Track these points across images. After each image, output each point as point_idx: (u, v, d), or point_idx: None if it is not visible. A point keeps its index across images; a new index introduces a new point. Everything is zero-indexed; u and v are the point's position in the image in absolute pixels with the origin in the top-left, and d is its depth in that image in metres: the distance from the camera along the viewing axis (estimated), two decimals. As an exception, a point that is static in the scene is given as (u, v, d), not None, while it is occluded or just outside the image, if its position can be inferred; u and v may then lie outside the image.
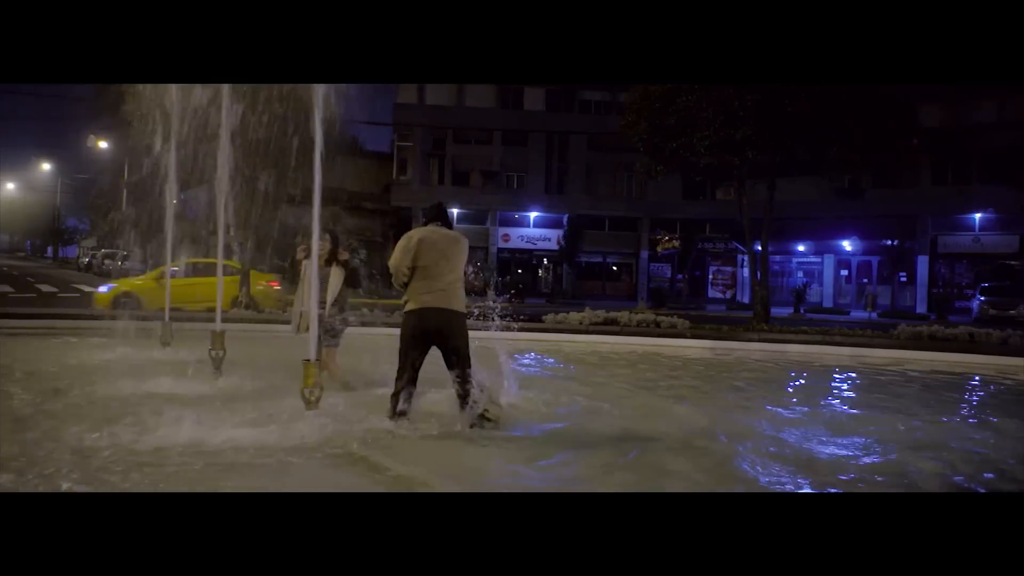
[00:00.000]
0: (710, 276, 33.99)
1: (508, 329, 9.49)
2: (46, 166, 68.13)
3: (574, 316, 12.45)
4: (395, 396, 4.35)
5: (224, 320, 5.98)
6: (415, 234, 4.44)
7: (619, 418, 5.13)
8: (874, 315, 21.88)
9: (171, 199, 7.21)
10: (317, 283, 5.60)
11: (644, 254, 33.27)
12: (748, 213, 13.58)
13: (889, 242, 28.96)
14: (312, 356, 3.85)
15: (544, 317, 12.18)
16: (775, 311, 27.14)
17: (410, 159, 33.12)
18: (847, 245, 30.06)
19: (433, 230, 4.47)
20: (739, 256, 31.06)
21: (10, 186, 75.56)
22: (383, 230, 35.61)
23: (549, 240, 32.78)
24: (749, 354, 9.59)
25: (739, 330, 11.10)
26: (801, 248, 31.17)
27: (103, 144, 40.33)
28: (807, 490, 3.51)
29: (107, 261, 35.38)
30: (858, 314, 23.62)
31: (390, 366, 4.58)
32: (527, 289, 28.86)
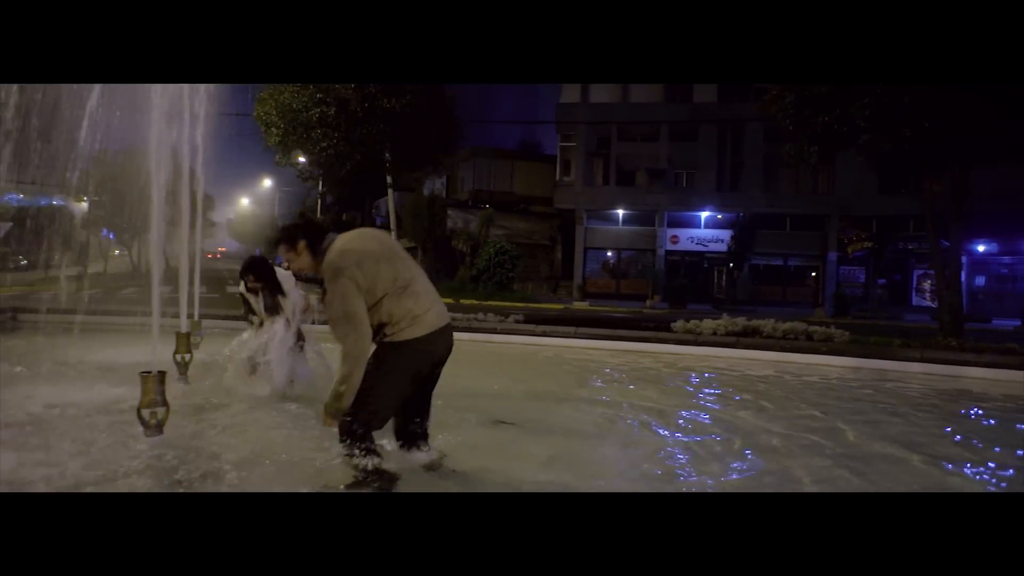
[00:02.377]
0: (914, 281, 29.36)
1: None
2: (267, 181, 76.63)
3: (708, 324, 10.92)
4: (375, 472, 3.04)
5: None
6: (343, 260, 2.99)
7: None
8: None
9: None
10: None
11: (832, 256, 29.54)
12: (932, 200, 11.04)
13: None
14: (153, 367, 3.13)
15: (673, 324, 10.80)
16: (998, 322, 22.77)
17: (573, 160, 32.32)
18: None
19: (355, 238, 3.13)
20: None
21: (244, 200, 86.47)
22: (550, 233, 35.25)
23: (721, 241, 30.29)
24: (900, 377, 7.56)
25: (913, 345, 8.93)
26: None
27: (301, 159, 44.41)
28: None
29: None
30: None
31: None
32: (688, 293, 26.78)
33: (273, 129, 12.79)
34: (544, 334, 9.26)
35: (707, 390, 6.75)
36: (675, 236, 31.28)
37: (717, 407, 5.84)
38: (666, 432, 4.74)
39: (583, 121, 31.31)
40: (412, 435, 3.28)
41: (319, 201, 48.31)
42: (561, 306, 25.02)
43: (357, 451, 2.99)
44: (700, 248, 31.16)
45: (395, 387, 3.04)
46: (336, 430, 3.01)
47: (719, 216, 30.61)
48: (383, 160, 13.55)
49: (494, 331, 9.49)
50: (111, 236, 44.75)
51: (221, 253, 72.31)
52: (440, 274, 32.55)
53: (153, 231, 5.93)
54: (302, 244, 3.09)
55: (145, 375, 3.07)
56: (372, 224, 49.09)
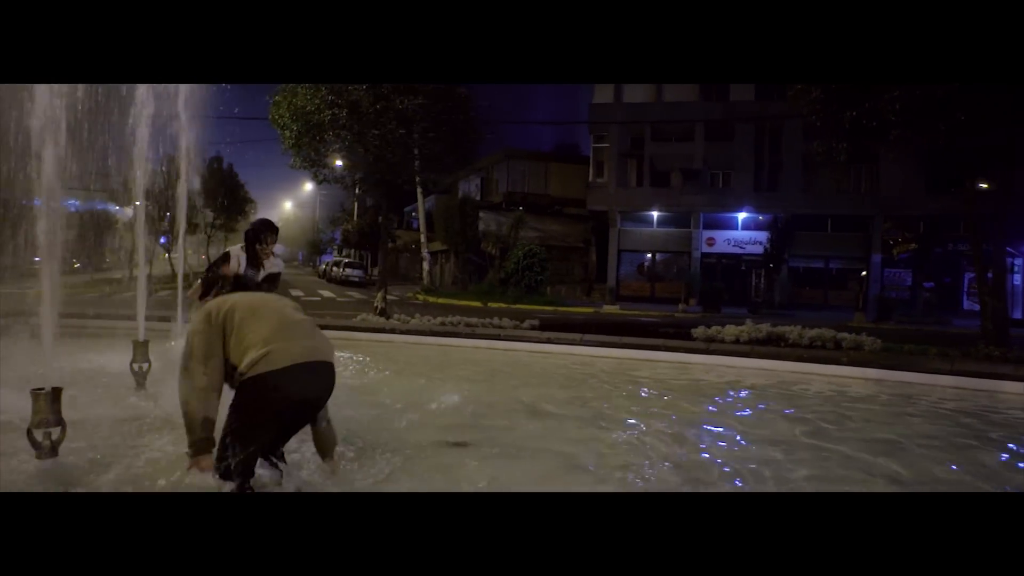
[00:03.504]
0: (965, 284, 27.94)
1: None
2: (308, 185, 77.78)
3: (730, 330, 10.37)
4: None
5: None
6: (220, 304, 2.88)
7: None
8: None
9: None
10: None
11: (876, 258, 28.33)
12: (973, 198, 10.26)
13: None
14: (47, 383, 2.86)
15: (694, 330, 10.30)
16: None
17: (606, 161, 31.76)
18: None
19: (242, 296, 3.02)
20: (1009, 259, 25.06)
21: (288, 204, 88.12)
22: (584, 235, 34.72)
23: (759, 243, 29.33)
24: (922, 392, 6.94)
25: (950, 355, 8.27)
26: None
27: (338, 163, 44.70)
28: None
29: (334, 268, 39.09)
30: None
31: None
32: (723, 297, 25.96)
33: (287, 132, 12.67)
34: (549, 341, 8.86)
35: (685, 404, 6.28)
36: (711, 238, 30.46)
37: (660, 424, 5.38)
38: (626, 458, 4.31)
39: (616, 121, 30.74)
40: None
41: (355, 205, 48.75)
42: (591, 310, 24.53)
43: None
44: (737, 250, 30.27)
45: (254, 421, 2.75)
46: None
47: (760, 218, 29.67)
48: (398, 162, 13.28)
49: (497, 337, 9.14)
50: (164, 240, 46.07)
51: None
52: (471, 277, 32.38)
53: (140, 239, 5.76)
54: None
55: (37, 392, 2.82)
56: (408, 227, 49.34)
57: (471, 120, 14.09)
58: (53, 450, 2.83)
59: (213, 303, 2.86)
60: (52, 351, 3.09)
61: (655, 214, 31.22)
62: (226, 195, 46.69)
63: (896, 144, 9.79)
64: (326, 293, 27.23)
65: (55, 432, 2.81)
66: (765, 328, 10.36)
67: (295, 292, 26.16)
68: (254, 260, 4.38)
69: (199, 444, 2.74)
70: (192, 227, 46.15)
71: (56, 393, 2.85)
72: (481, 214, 33.15)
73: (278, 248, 4.65)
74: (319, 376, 2.80)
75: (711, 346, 8.69)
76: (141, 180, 9.87)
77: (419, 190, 28.36)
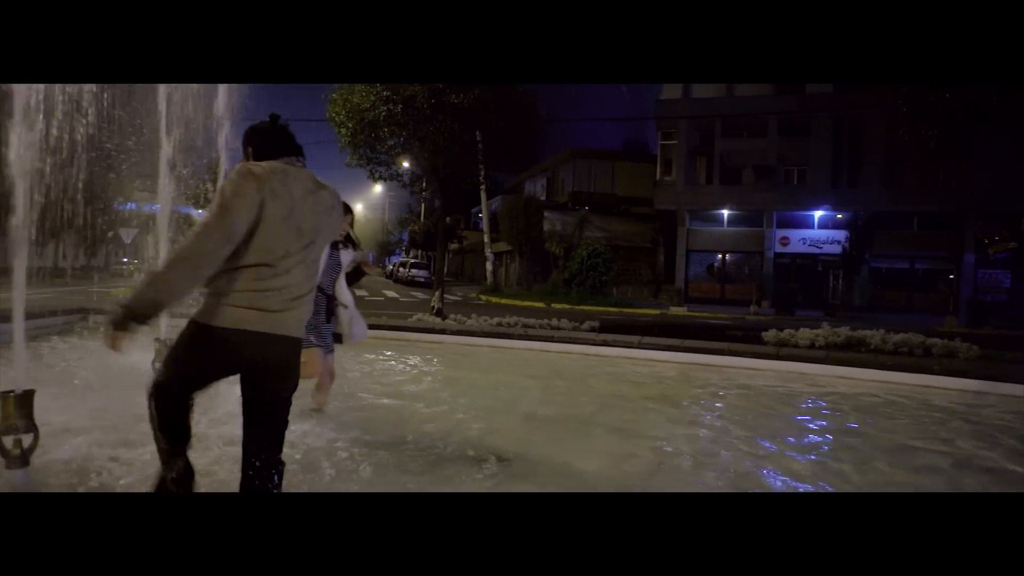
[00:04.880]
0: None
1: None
2: (378, 187, 79.17)
3: (804, 334, 9.64)
4: (168, 455, 2.38)
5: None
6: (250, 181, 2.24)
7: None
8: None
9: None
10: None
11: (969, 258, 26.39)
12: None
13: None
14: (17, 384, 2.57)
15: (765, 333, 9.60)
16: None
17: (675, 158, 30.82)
18: None
19: (287, 171, 2.35)
20: None
21: (358, 206, 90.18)
22: (651, 235, 33.81)
23: (837, 243, 27.79)
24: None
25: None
26: None
27: (405, 164, 45.16)
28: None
29: (400, 269, 39.49)
30: None
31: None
32: (798, 298, 24.69)
33: (343, 129, 12.58)
34: (605, 343, 8.34)
35: (757, 416, 5.66)
36: (785, 237, 29.10)
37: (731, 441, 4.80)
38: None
39: (685, 117, 29.76)
40: (253, 467, 2.40)
41: (422, 206, 49.14)
42: (657, 311, 23.75)
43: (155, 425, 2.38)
44: (813, 250, 28.80)
45: (182, 367, 2.36)
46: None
47: (838, 216, 28.12)
48: (455, 159, 13.02)
49: (551, 339, 8.68)
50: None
51: None
52: (535, 277, 31.97)
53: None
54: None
55: (5, 395, 2.56)
56: (474, 228, 49.40)
57: (532, 117, 13.71)
58: (23, 459, 2.56)
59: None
60: (23, 352, 2.84)
61: (725, 213, 30.08)
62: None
63: (997, 128, 8.80)
64: (390, 293, 27.35)
65: (26, 440, 2.55)
66: (843, 332, 9.55)
67: (359, 292, 26.38)
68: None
69: (126, 318, 2.19)
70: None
71: (27, 396, 2.59)
72: (546, 214, 32.71)
73: (346, 255, 4.60)
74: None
75: (782, 351, 7.99)
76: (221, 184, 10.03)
77: (482, 189, 28.17)
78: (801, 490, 3.68)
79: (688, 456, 4.21)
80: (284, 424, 2.45)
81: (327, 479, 3.34)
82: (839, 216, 28.12)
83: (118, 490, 2.86)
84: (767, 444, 4.62)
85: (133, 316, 2.17)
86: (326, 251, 4.51)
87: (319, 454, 3.72)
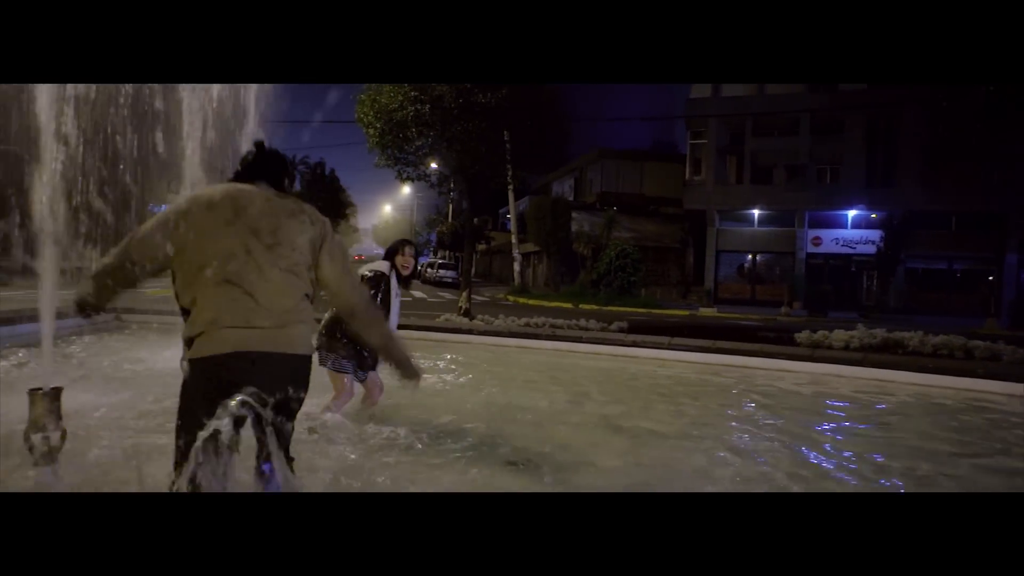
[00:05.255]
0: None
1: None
2: (406, 189, 79.59)
3: (839, 335, 9.39)
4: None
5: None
6: (167, 210, 2.35)
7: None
8: None
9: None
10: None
11: (1011, 258, 25.62)
12: None
13: None
14: (45, 384, 2.56)
15: (798, 335, 9.38)
16: None
17: (704, 158, 30.46)
18: None
19: (239, 188, 2.40)
20: None
21: (387, 207, 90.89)
22: (681, 235, 33.48)
23: (871, 243, 27.21)
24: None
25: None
26: None
27: (433, 164, 45.34)
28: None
29: (428, 270, 39.67)
30: None
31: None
32: (831, 300, 24.22)
33: (371, 130, 12.63)
34: (634, 344, 8.22)
35: (800, 420, 5.51)
36: (817, 237, 28.59)
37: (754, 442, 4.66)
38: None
39: (714, 115, 29.39)
40: (262, 474, 2.37)
41: (450, 207, 49.27)
42: (686, 312, 23.49)
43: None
44: (846, 250, 28.25)
45: (183, 402, 2.32)
46: None
47: (872, 215, 27.54)
48: (483, 159, 13.00)
49: (579, 340, 8.59)
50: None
51: (357, 258, 76.30)
52: (563, 278, 31.85)
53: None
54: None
55: (34, 392, 2.57)
56: (502, 229, 49.44)
57: (559, 116, 13.63)
58: (51, 456, 2.57)
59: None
60: (51, 354, 2.84)
61: (756, 213, 29.65)
62: (327, 198, 48.47)
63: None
64: (418, 294, 27.45)
65: (53, 437, 2.56)
66: (880, 333, 9.29)
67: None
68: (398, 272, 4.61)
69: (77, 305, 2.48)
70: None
71: (55, 394, 2.60)
72: (573, 214, 32.57)
73: (367, 248, 4.62)
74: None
75: (816, 352, 7.79)
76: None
77: (510, 190, 28.13)
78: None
79: (728, 458, 4.11)
80: (288, 438, 2.39)
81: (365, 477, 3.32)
82: (873, 216, 27.53)
83: (147, 488, 2.86)
84: (808, 451, 4.49)
85: (80, 305, 2.47)
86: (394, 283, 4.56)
87: (355, 451, 3.71)
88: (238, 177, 2.48)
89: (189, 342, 2.27)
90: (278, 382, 2.26)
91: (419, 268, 31.18)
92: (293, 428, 2.41)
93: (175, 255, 2.29)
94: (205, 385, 2.23)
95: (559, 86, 13.96)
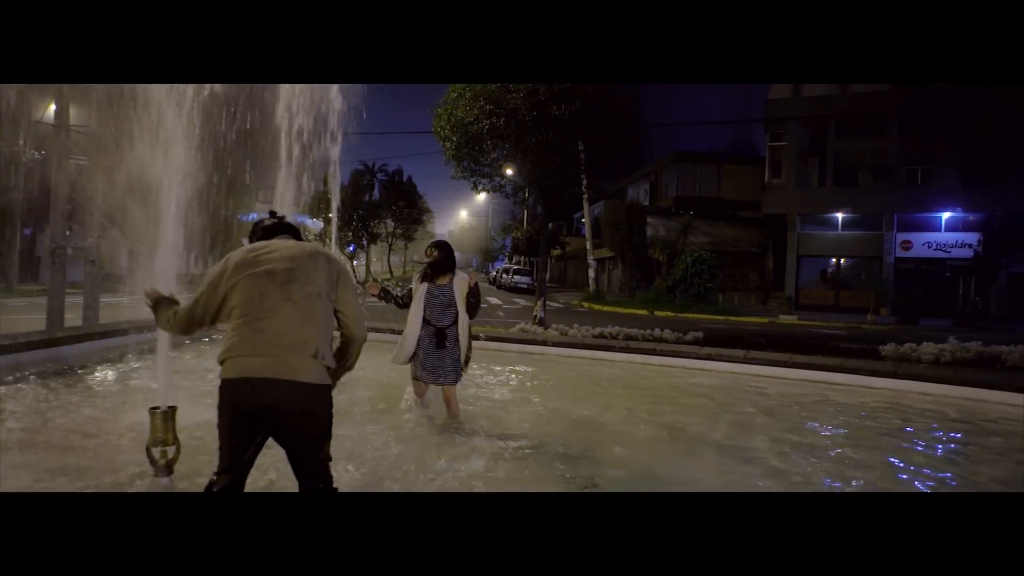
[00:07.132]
0: None
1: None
2: (482, 196, 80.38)
3: (928, 348, 9.05)
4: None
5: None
6: (219, 264, 2.72)
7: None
8: None
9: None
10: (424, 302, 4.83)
11: None
12: None
13: None
14: (163, 402, 2.88)
15: (883, 348, 9.10)
16: None
17: (784, 160, 29.60)
18: None
19: (266, 244, 2.76)
20: None
21: (463, 213, 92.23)
22: (760, 240, 32.64)
23: (968, 246, 25.73)
24: None
25: None
26: None
27: (508, 171, 45.70)
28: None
29: (503, 275, 40.06)
30: None
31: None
32: (922, 307, 23.10)
33: (447, 143, 12.99)
34: (709, 357, 8.18)
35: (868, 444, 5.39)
36: (907, 241, 27.29)
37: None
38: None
39: (795, 117, 28.53)
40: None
41: (525, 213, 49.62)
42: (765, 320, 22.92)
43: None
44: (939, 254, 26.83)
45: (221, 426, 2.56)
46: None
47: (969, 217, 26.06)
48: (558, 168, 13.17)
49: (653, 352, 8.60)
50: (351, 248, 49.94)
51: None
52: (638, 284, 31.58)
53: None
54: None
55: (153, 411, 2.91)
56: (577, 234, 49.35)
57: (635, 123, 13.65)
58: (168, 468, 2.90)
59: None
60: (167, 368, 3.19)
61: (840, 216, 28.58)
62: (404, 205, 49.64)
63: None
64: (493, 300, 27.84)
65: (170, 451, 2.89)
66: (974, 347, 8.87)
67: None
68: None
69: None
70: (373, 237, 49.75)
71: (171, 412, 2.92)
72: (649, 219, 32.27)
73: (448, 290, 4.97)
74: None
75: (901, 368, 7.52)
76: (336, 195, 10.65)
77: (584, 196, 28.15)
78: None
79: (803, 481, 4.11)
80: (321, 462, 2.61)
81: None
82: (970, 218, 26.07)
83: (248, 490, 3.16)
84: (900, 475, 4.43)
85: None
86: (422, 289, 4.81)
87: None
88: (262, 238, 2.86)
89: (223, 367, 2.61)
90: (279, 406, 2.49)
91: (495, 273, 31.37)
92: (328, 455, 2.62)
93: (222, 302, 2.65)
94: (222, 404, 2.55)
95: (633, 94, 13.96)
